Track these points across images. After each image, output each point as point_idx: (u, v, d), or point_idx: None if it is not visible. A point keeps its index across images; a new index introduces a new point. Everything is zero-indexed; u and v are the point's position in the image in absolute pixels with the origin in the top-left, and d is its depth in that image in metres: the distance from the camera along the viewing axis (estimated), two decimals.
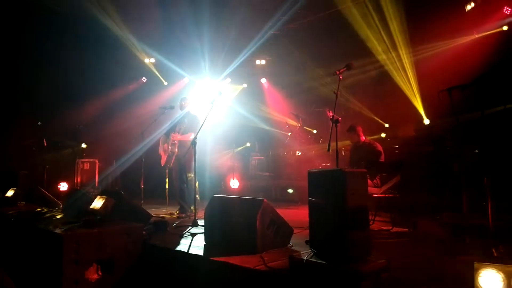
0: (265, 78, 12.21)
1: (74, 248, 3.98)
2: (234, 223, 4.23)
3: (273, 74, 12.12)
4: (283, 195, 9.25)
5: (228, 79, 11.64)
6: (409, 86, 8.62)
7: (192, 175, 6.51)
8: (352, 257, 3.02)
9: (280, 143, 10.92)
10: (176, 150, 6.78)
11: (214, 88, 11.11)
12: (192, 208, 6.35)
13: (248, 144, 11.22)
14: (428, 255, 3.97)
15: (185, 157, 6.57)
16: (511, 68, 6.78)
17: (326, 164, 8.53)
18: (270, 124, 11.34)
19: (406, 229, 5.08)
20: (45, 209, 6.16)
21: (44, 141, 9.78)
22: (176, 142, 6.80)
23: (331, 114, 4.86)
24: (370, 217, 4.95)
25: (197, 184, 6.64)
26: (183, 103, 7.09)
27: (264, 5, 9.52)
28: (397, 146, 8.06)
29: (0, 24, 9.02)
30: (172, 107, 7.16)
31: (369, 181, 5.55)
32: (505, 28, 7.52)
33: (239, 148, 10.99)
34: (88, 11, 9.21)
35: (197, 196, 6.51)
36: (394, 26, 8.47)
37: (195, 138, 5.76)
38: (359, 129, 6.27)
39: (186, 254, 4.15)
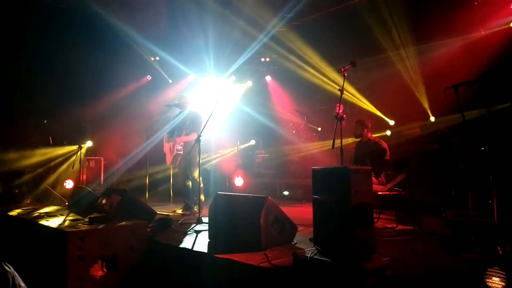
0: (270, 75, 12.19)
1: (79, 245, 4.01)
2: (238, 220, 4.24)
3: (278, 72, 12.10)
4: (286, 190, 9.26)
5: (233, 77, 11.63)
6: (414, 83, 8.57)
7: (198, 175, 6.51)
8: (356, 255, 3.01)
9: (285, 140, 10.90)
10: (182, 150, 6.79)
11: (219, 86, 11.11)
12: (196, 206, 6.37)
13: (252, 142, 11.22)
14: (433, 253, 3.96)
15: (190, 155, 6.58)
16: None
17: (331, 162, 8.52)
18: (274, 122, 11.33)
19: (411, 227, 5.05)
20: (51, 207, 6.20)
21: (50, 139, 9.84)
22: (182, 143, 6.80)
23: (339, 109, 4.85)
24: (374, 215, 4.94)
25: (201, 186, 6.64)
26: (182, 101, 7.07)
27: (269, 2, 9.50)
28: (402, 144, 8.02)
29: (4, 22, 9.06)
30: (176, 105, 7.16)
31: (374, 178, 5.54)
32: None
33: (244, 146, 11.00)
34: (93, 9, 9.23)
35: (201, 197, 6.53)
36: (400, 23, 8.41)
37: (199, 136, 5.77)
38: (367, 124, 6.25)
39: (190, 251, 4.16)
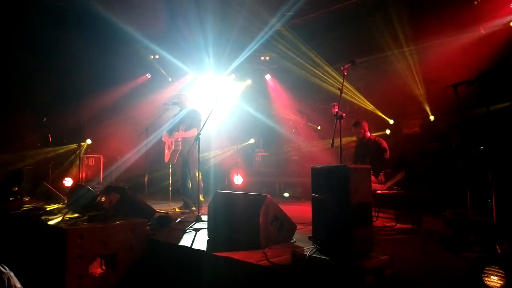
0: (270, 74, 12.18)
1: (78, 243, 4.00)
2: (238, 218, 4.24)
3: (278, 70, 12.09)
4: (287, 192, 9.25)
5: (233, 75, 11.62)
6: (414, 82, 8.57)
7: (197, 173, 6.51)
8: (355, 253, 3.01)
9: (284, 139, 10.90)
10: (180, 147, 6.77)
11: (219, 84, 11.10)
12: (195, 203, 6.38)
13: (252, 140, 11.22)
14: (431, 252, 3.96)
15: (189, 153, 6.57)
16: None
17: (330, 160, 8.52)
18: (274, 120, 11.33)
19: (410, 226, 5.06)
20: (50, 205, 6.20)
21: (49, 137, 9.84)
22: (180, 139, 6.79)
23: (336, 109, 4.85)
24: (374, 214, 4.95)
25: (201, 185, 6.63)
26: (181, 99, 7.08)
27: (269, 0, 9.48)
28: (402, 143, 8.03)
29: (3, 20, 9.04)
30: (175, 103, 7.15)
31: (373, 177, 5.54)
32: None
33: (243, 144, 11.00)
34: (92, 7, 9.20)
35: (200, 196, 6.54)
36: (400, 21, 8.41)
37: (199, 134, 5.77)
38: (365, 125, 6.27)
39: (189, 249, 4.16)
